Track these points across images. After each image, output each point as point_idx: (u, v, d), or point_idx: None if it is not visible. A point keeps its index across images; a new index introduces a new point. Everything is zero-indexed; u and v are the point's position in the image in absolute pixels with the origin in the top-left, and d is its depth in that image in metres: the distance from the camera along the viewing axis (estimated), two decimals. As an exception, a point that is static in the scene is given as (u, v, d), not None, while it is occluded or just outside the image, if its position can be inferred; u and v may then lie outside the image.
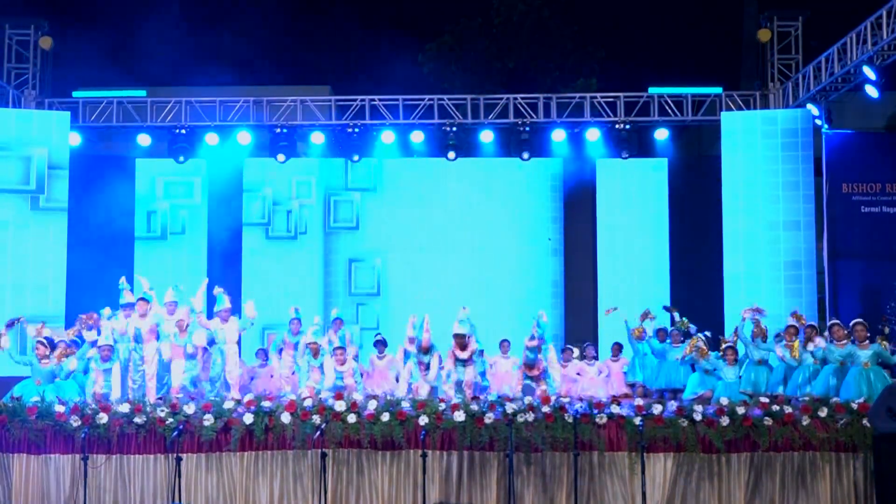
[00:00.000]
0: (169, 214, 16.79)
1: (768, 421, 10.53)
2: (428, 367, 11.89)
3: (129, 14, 21.39)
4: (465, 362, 11.67)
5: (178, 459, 10.06)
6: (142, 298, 11.97)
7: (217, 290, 12.53)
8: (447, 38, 21.90)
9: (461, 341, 11.64)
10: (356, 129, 15.98)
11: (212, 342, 12.14)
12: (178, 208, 16.80)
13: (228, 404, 10.77)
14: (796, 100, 15.18)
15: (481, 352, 11.99)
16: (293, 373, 12.73)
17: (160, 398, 11.21)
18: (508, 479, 10.14)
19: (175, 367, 11.87)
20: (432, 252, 16.75)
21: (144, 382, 11.77)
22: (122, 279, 12.39)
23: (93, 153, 16.56)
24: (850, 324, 11.84)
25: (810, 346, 12.23)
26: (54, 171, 15.38)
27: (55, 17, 16.22)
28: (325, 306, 16.06)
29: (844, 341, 11.73)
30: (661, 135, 16.07)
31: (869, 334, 11.75)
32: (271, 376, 13.03)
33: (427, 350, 11.92)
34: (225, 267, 16.48)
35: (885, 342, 11.76)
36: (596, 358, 14.05)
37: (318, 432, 10.21)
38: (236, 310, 12.58)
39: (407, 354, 12.28)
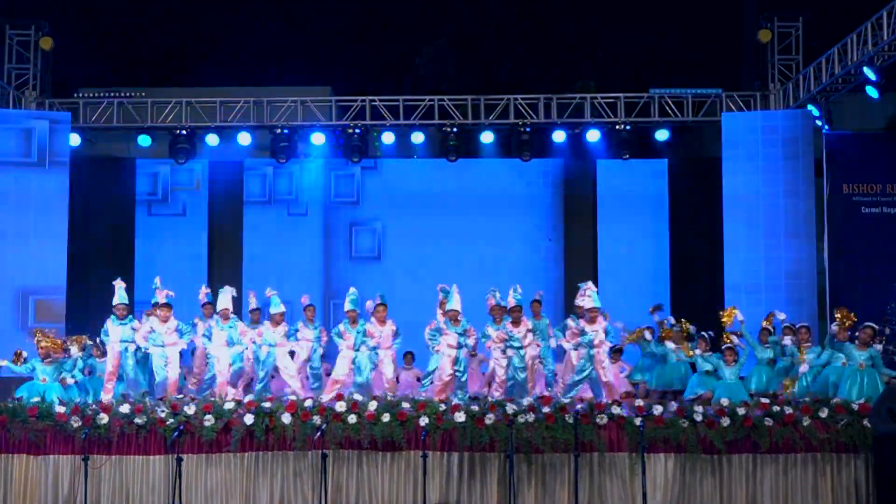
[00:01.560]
0: (170, 197, 16.79)
1: (769, 422, 10.54)
2: (459, 345, 11.84)
3: (129, 14, 21.39)
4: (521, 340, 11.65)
5: (179, 460, 10.05)
6: (165, 304, 11.96)
7: (270, 293, 12.57)
8: (443, 42, 21.91)
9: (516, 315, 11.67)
10: (356, 130, 15.97)
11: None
12: (179, 192, 16.78)
13: (229, 405, 10.78)
14: (797, 100, 15.18)
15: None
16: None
17: (161, 398, 11.23)
18: (509, 479, 10.14)
19: (220, 353, 11.95)
20: (431, 253, 16.75)
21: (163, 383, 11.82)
22: (157, 279, 12.41)
23: (93, 153, 16.55)
24: (864, 325, 11.82)
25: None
26: (55, 124, 15.35)
27: (55, 18, 16.19)
28: (324, 271, 16.17)
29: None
30: (662, 135, 16.06)
31: (871, 340, 11.73)
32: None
33: (456, 319, 11.82)
34: (225, 238, 16.61)
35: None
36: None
37: (319, 433, 10.20)
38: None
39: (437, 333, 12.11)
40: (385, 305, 12.22)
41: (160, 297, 12.03)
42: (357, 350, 11.95)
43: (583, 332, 11.77)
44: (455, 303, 11.95)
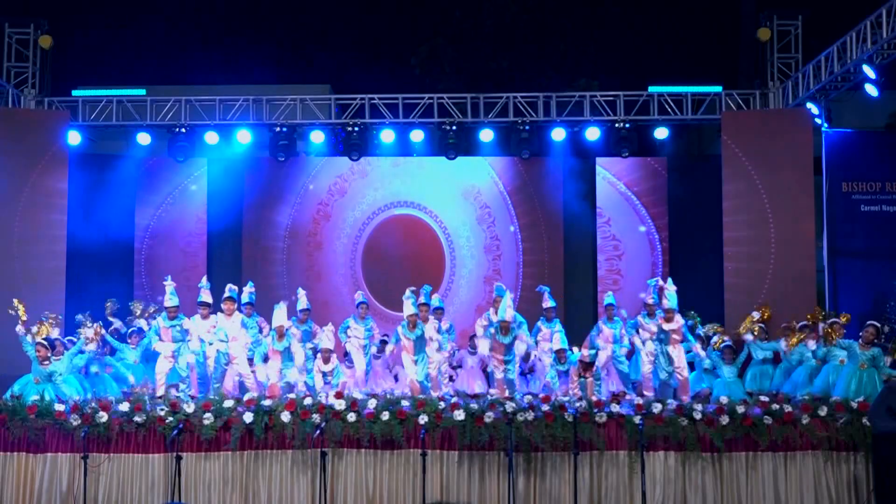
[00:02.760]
0: (169, 194, 16.72)
1: (768, 420, 10.56)
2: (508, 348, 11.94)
3: (128, 13, 21.39)
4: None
5: (178, 458, 10.06)
6: (230, 297, 12.08)
7: (300, 292, 12.74)
8: (440, 40, 21.92)
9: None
10: (356, 128, 15.96)
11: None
12: (178, 189, 16.72)
13: (228, 403, 10.79)
14: (796, 98, 15.14)
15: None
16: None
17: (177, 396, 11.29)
18: (508, 478, 10.14)
19: (271, 366, 11.90)
20: (433, 251, 16.78)
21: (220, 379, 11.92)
22: (204, 278, 12.52)
23: (92, 152, 16.54)
24: (866, 324, 11.84)
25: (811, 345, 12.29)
26: (54, 123, 15.27)
27: (55, 16, 16.16)
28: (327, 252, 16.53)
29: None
30: (661, 133, 16.03)
31: (874, 339, 11.76)
32: None
33: (507, 330, 11.85)
34: (225, 233, 16.60)
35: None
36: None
37: (318, 431, 10.22)
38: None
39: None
40: (427, 305, 12.39)
41: (206, 297, 12.15)
42: (418, 354, 12.02)
43: (660, 329, 12.03)
44: (506, 313, 11.87)
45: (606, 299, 13.60)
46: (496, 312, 12.18)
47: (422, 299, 12.38)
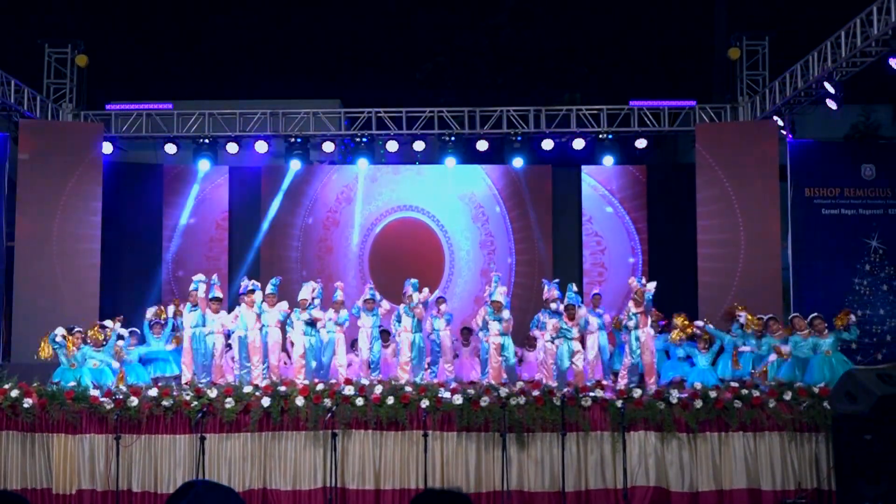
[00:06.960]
0: (193, 199, 16.71)
1: (738, 403, 10.57)
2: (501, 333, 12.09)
3: (157, 34, 21.44)
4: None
5: (203, 439, 10.09)
6: (251, 290, 12.16)
7: (338, 285, 12.84)
8: (441, 59, 21.97)
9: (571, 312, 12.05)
10: (364, 139, 15.98)
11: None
12: (201, 195, 16.70)
13: (248, 389, 10.82)
14: (763, 112, 15.17)
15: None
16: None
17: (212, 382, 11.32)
18: (502, 456, 10.16)
19: (297, 340, 12.15)
20: (433, 250, 16.78)
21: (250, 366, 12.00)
22: (215, 275, 12.60)
23: (124, 160, 16.57)
24: (809, 318, 11.91)
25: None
26: (89, 134, 15.28)
27: (90, 38, 16.19)
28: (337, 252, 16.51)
29: (806, 331, 11.82)
30: (641, 143, 16.05)
31: (827, 325, 11.83)
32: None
33: (499, 308, 12.09)
34: (244, 235, 16.57)
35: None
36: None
37: (330, 414, 10.24)
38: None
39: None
40: (443, 299, 13.21)
41: (218, 292, 12.38)
42: (415, 333, 12.30)
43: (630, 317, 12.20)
44: (498, 294, 12.15)
45: (594, 291, 13.64)
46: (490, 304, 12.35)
47: (411, 290, 12.59)
